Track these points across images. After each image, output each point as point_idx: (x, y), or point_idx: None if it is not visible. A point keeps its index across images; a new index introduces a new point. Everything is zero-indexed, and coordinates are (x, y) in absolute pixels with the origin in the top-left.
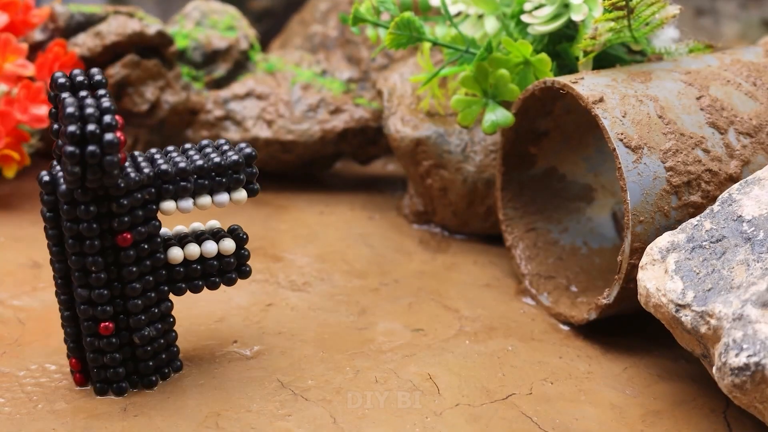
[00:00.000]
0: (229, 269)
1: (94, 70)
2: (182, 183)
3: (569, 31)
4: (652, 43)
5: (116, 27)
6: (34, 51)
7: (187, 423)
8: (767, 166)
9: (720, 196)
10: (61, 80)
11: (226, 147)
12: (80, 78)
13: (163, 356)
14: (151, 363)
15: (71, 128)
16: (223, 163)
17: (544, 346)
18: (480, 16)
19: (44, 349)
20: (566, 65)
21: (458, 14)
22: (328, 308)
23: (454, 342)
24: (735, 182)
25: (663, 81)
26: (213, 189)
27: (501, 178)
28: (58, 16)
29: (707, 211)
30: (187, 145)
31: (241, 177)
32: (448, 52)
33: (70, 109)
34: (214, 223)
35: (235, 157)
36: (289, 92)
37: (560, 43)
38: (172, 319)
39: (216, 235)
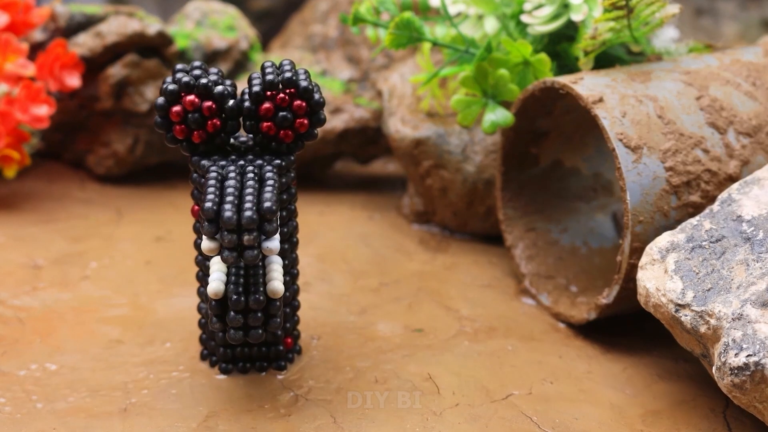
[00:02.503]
0: None
1: (286, 76)
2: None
3: (569, 31)
4: (652, 43)
5: (117, 27)
6: (35, 51)
7: (187, 423)
8: (767, 166)
9: (719, 196)
10: (267, 63)
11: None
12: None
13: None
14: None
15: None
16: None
17: (543, 346)
18: (480, 17)
19: (44, 348)
20: (566, 65)
21: (458, 14)
22: (328, 308)
23: (454, 342)
24: (734, 182)
25: (662, 81)
26: None
27: (501, 178)
28: (59, 16)
29: (707, 211)
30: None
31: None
32: (448, 52)
33: (179, 66)
34: None
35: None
36: None
37: (560, 43)
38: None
39: None
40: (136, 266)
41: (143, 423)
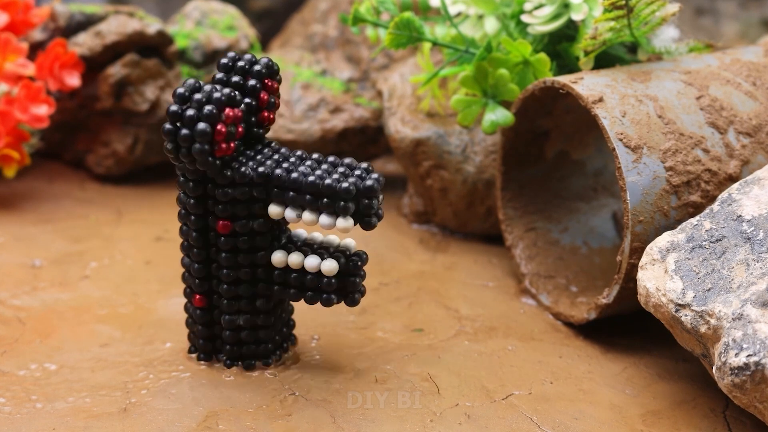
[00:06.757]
0: (329, 290)
1: (265, 60)
2: (290, 193)
3: (569, 31)
4: (652, 43)
5: (116, 26)
6: (35, 50)
7: (187, 423)
8: (767, 166)
9: (720, 196)
10: (223, 60)
11: (357, 171)
12: (241, 63)
13: (243, 349)
14: (234, 348)
15: (173, 107)
16: (334, 186)
17: (544, 346)
18: (480, 17)
19: (44, 348)
20: (566, 65)
21: (458, 14)
22: (328, 308)
23: (454, 342)
24: (735, 182)
25: (662, 81)
26: (320, 209)
27: (501, 178)
28: (59, 16)
29: (707, 210)
30: (320, 157)
31: (350, 206)
32: (448, 52)
33: (180, 90)
34: (349, 242)
35: (346, 185)
36: (289, 92)
37: (560, 43)
38: (271, 318)
39: (325, 252)
40: (136, 266)
41: (143, 423)
